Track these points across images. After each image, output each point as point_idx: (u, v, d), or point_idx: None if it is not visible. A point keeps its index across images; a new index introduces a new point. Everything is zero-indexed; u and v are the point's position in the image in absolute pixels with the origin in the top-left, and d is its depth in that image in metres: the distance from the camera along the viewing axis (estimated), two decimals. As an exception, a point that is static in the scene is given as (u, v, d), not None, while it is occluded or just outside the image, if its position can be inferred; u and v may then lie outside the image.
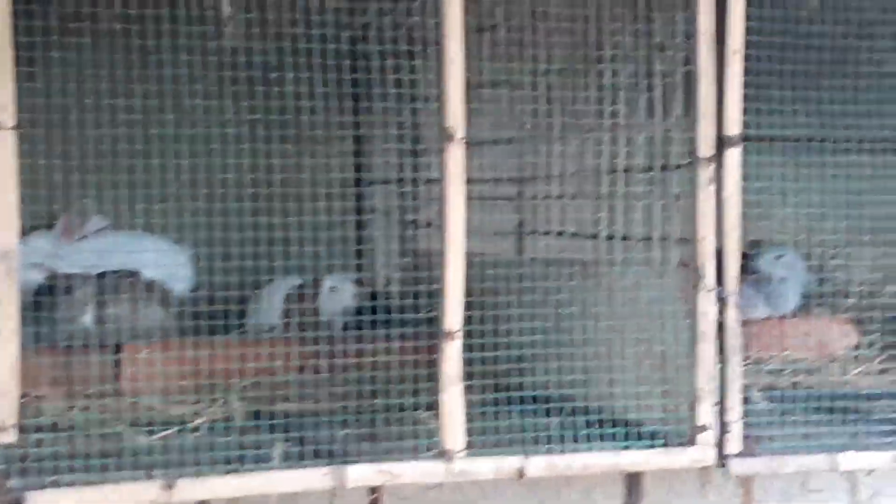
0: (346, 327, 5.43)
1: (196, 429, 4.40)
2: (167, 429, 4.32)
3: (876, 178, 5.08)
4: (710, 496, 5.24)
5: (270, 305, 5.55)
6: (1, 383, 3.70)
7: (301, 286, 5.42)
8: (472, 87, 4.24)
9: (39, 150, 3.86)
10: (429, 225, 5.50)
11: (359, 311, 5.41)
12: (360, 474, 4.11)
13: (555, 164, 4.99)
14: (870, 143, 5.15)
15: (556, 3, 4.53)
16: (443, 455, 4.17)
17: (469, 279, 4.23)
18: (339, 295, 5.44)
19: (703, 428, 4.40)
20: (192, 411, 4.56)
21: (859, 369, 5.85)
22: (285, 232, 4.39)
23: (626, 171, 4.76)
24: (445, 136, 4.12)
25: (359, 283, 5.57)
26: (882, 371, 5.84)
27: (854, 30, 4.60)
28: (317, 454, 4.14)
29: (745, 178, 4.45)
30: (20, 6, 3.65)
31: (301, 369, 4.73)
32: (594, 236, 4.87)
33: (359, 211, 6.12)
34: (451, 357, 4.16)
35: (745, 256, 5.12)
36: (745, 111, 4.38)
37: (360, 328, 5.29)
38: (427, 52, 4.35)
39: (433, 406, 4.24)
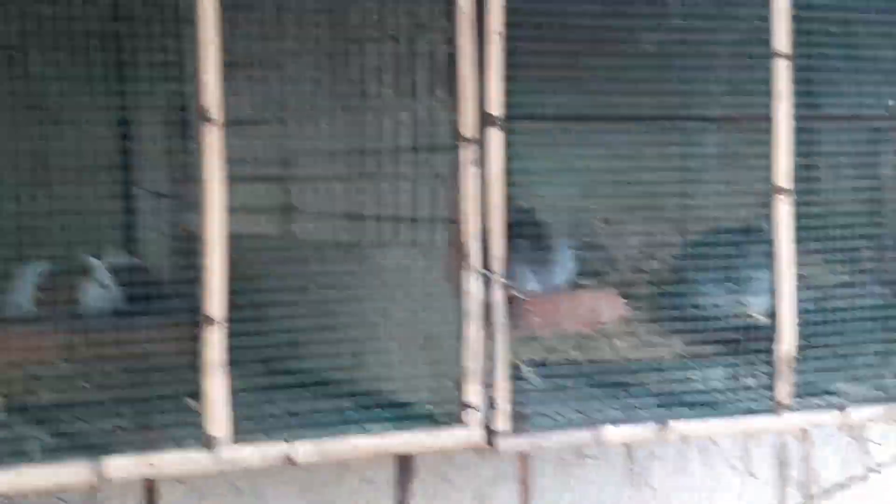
0: (113, 313, 5.27)
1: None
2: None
3: (638, 153, 5.17)
4: (486, 471, 5.29)
5: (21, 291, 5.35)
6: None
7: (56, 271, 5.24)
8: (232, 66, 4.15)
9: None
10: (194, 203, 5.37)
11: (128, 296, 5.26)
12: (122, 467, 4.00)
13: (321, 145, 4.93)
14: (631, 119, 5.25)
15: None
16: (207, 443, 4.08)
17: (235, 262, 4.15)
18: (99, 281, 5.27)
19: (471, 407, 4.42)
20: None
21: (627, 342, 5.98)
22: (46, 214, 4.23)
23: (392, 151, 4.74)
24: (202, 116, 4.03)
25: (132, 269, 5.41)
26: (648, 343, 5.97)
27: (611, 9, 4.66)
28: (77, 447, 4.00)
29: (512, 156, 4.48)
30: None
31: (62, 358, 4.57)
32: (361, 217, 4.84)
33: (126, 192, 5.94)
34: (214, 343, 4.07)
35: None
36: (509, 91, 4.40)
37: (125, 313, 5.15)
38: (182, 30, 4.22)
39: (197, 393, 4.15)
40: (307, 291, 4.50)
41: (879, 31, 5.09)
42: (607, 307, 6.34)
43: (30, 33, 3.98)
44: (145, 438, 4.12)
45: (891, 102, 5.11)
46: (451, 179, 4.44)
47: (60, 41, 4.02)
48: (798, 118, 4.80)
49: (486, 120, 4.38)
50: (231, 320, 4.14)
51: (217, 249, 4.09)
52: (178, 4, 4.09)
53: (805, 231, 4.86)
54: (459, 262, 4.42)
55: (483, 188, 4.42)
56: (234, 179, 4.16)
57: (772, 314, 4.84)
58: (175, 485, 4.88)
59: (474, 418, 4.44)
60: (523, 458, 5.37)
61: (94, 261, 5.29)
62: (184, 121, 5.34)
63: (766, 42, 4.71)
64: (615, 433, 4.64)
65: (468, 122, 4.37)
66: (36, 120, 4.16)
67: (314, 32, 4.58)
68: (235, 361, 4.16)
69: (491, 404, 4.47)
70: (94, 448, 4.03)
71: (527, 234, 6.51)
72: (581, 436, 4.61)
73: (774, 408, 4.78)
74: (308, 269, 4.58)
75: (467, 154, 4.36)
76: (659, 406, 4.85)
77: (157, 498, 4.83)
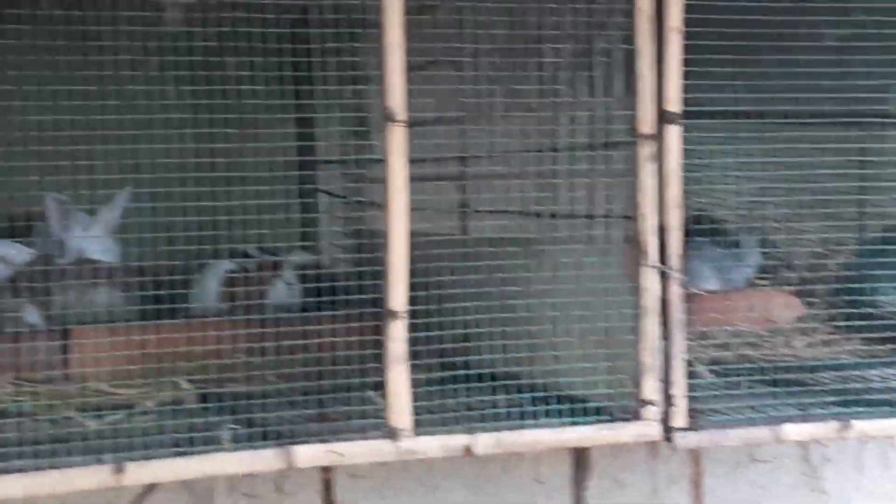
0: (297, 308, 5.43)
1: (144, 412, 4.41)
2: (115, 413, 4.32)
3: (816, 152, 5.13)
4: (659, 468, 5.31)
5: (209, 288, 5.55)
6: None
7: (241, 269, 5.43)
8: (413, 68, 4.25)
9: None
10: (373, 205, 5.51)
11: (307, 292, 5.42)
12: (309, 455, 4.14)
13: (498, 144, 5.02)
14: (810, 117, 5.21)
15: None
16: (390, 434, 4.19)
17: (414, 259, 4.26)
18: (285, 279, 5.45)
19: (648, 402, 4.45)
20: (141, 395, 4.56)
21: (804, 341, 5.92)
22: (229, 214, 4.39)
23: (568, 149, 4.79)
24: (387, 117, 4.14)
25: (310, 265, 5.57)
26: (825, 342, 5.91)
27: (791, 5, 4.64)
28: (266, 436, 4.16)
29: (688, 154, 4.50)
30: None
31: (248, 351, 4.73)
32: (538, 214, 4.90)
33: (303, 192, 6.11)
34: (397, 337, 4.18)
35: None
36: (686, 88, 4.42)
37: (306, 308, 5.32)
38: (367, 33, 4.35)
39: (380, 386, 4.27)
40: (484, 287, 4.57)
41: None
42: (784, 306, 6.29)
43: (224, 38, 4.14)
44: (330, 429, 4.26)
45: None
46: (629, 176, 4.47)
47: (253, 46, 4.16)
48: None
49: (663, 117, 4.40)
50: (411, 315, 4.25)
51: (399, 246, 4.19)
52: (364, 8, 4.20)
53: None
54: (636, 259, 4.45)
55: (660, 184, 4.44)
56: (414, 179, 4.26)
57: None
58: (350, 478, 5.02)
59: (651, 414, 4.46)
60: (695, 459, 5.38)
61: (280, 259, 5.47)
62: (365, 122, 5.51)
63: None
64: (794, 431, 4.61)
65: (646, 119, 4.40)
66: (226, 122, 4.31)
67: (493, 32, 4.65)
68: (415, 355, 4.27)
69: (668, 400, 4.48)
70: (281, 437, 4.17)
71: (704, 232, 6.51)
72: (759, 433, 4.60)
73: (957, 408, 4.70)
74: (485, 266, 4.66)
75: (646, 151, 4.39)
76: (838, 405, 4.80)
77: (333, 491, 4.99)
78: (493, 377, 4.61)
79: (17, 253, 5.17)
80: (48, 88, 4.08)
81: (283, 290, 5.45)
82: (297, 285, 5.48)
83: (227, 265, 5.49)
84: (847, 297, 6.03)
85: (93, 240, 5.14)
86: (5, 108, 4.05)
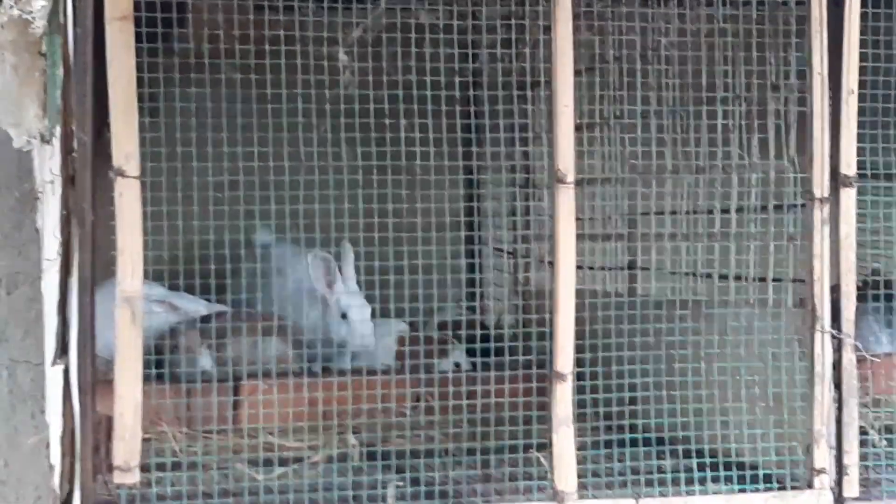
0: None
1: (312, 466, 4.46)
2: (284, 467, 4.38)
3: None
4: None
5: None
6: (125, 426, 3.79)
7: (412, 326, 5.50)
8: (583, 127, 4.26)
9: (159, 197, 3.96)
10: (542, 261, 5.52)
11: (472, 350, 5.45)
12: (475, 514, 4.15)
13: (667, 203, 4.99)
14: None
15: (668, 44, 4.53)
16: (555, 496, 4.18)
17: (581, 319, 4.24)
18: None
19: (821, 471, 4.35)
20: (309, 449, 4.63)
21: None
22: (398, 273, 4.43)
23: (739, 210, 4.74)
24: (556, 178, 4.15)
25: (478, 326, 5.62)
26: None
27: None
28: (429, 494, 4.17)
29: (863, 215, 4.42)
30: (142, 57, 3.76)
31: (414, 408, 4.77)
32: (708, 276, 4.85)
33: (471, 250, 6.15)
34: (563, 399, 4.17)
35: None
36: (860, 151, 4.35)
37: (473, 367, 5.35)
38: (536, 92, 4.38)
39: (545, 447, 4.25)
40: (652, 349, 4.53)
41: None
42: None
43: (398, 99, 4.21)
44: (496, 489, 4.26)
45: None
46: (801, 239, 4.40)
47: (424, 106, 4.22)
48: None
49: (837, 179, 4.33)
50: (578, 376, 4.23)
51: (567, 307, 4.18)
52: (534, 69, 4.24)
53: None
54: (809, 323, 4.36)
55: (834, 248, 4.36)
56: (582, 237, 4.26)
57: None
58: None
59: (823, 483, 4.36)
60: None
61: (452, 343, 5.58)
62: (531, 181, 5.54)
63: None
64: (972, 504, 4.46)
65: (820, 181, 4.33)
66: (399, 182, 4.38)
67: (664, 93, 4.64)
68: (581, 416, 4.25)
69: (840, 469, 4.37)
70: (446, 497, 4.18)
71: (878, 294, 6.36)
72: (935, 505, 4.46)
73: None
74: (652, 327, 4.62)
75: (820, 214, 4.32)
76: None
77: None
78: (660, 441, 4.56)
79: (190, 304, 5.31)
80: (226, 151, 4.20)
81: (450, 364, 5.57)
82: (465, 359, 5.56)
83: (401, 326, 5.55)
84: None
85: (352, 296, 5.40)
86: (184, 170, 4.15)
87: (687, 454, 4.47)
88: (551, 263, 4.23)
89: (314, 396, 4.56)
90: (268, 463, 4.39)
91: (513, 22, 4.29)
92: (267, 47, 4.01)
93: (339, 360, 5.41)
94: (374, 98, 4.16)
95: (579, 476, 4.19)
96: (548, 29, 4.13)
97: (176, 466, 4.30)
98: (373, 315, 5.36)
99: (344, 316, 5.36)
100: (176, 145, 4.03)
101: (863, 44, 4.31)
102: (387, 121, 4.19)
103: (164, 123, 4.19)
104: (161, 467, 4.16)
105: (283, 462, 4.43)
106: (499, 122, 4.59)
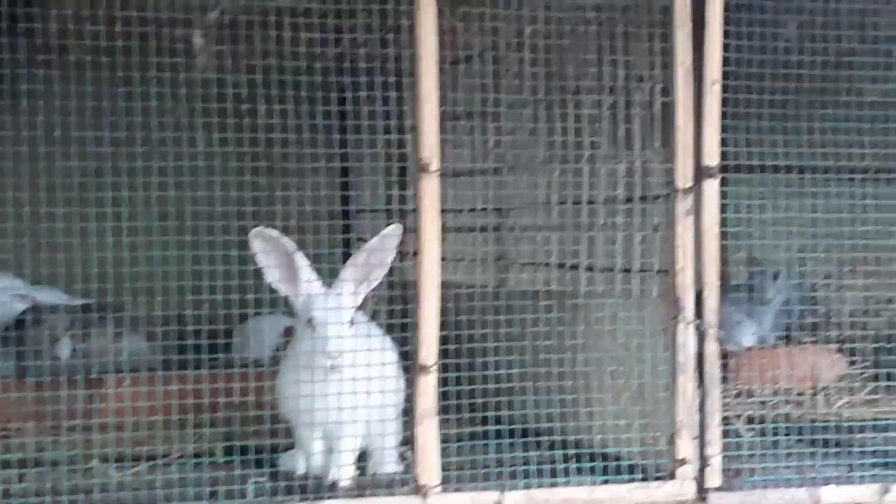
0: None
1: (169, 464, 4.36)
2: (139, 464, 4.27)
3: (858, 206, 5.05)
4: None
5: (258, 339, 5.51)
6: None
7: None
8: (449, 118, 4.22)
9: (9, 183, 3.82)
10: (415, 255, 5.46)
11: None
12: (338, 510, 4.08)
13: (535, 196, 4.96)
14: (852, 172, 5.13)
15: (533, 35, 4.50)
16: (418, 490, 4.12)
17: (448, 311, 4.20)
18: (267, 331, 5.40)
19: (683, 461, 4.36)
20: (166, 445, 4.52)
21: (845, 400, 5.82)
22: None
23: (605, 202, 4.73)
24: (420, 167, 4.09)
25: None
26: (868, 402, 5.80)
27: (833, 59, 4.58)
28: (289, 489, 4.09)
29: (727, 207, 4.44)
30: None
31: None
32: (574, 267, 4.84)
33: (346, 241, 6.07)
34: (426, 391, 4.11)
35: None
36: (725, 141, 4.35)
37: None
38: (403, 84, 4.32)
39: (408, 441, 4.20)
40: (518, 340, 4.51)
41: None
42: (826, 364, 6.20)
43: (258, 86, 4.11)
44: (358, 483, 4.20)
45: None
46: (666, 230, 4.40)
47: (286, 94, 4.13)
48: None
49: (701, 171, 4.33)
50: (443, 368, 4.18)
51: (430, 298, 4.13)
52: (400, 57, 4.18)
53: None
54: (673, 314, 4.37)
55: (697, 239, 4.36)
56: (449, 229, 4.21)
57: None
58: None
59: (686, 473, 4.36)
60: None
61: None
62: (401, 170, 5.47)
63: None
64: (834, 494, 4.49)
65: (684, 173, 4.33)
66: (261, 171, 4.28)
67: (531, 85, 4.61)
68: (445, 409, 4.21)
69: (703, 459, 4.39)
70: (305, 490, 4.12)
71: (742, 286, 6.44)
72: (797, 495, 4.48)
73: None
74: (520, 319, 4.59)
75: (684, 205, 4.32)
76: (880, 467, 4.69)
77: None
78: (525, 433, 4.53)
79: (50, 297, 5.17)
80: (76, 135, 4.06)
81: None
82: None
83: (284, 320, 5.42)
84: (892, 356, 5.92)
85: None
86: (32, 155, 4.02)
87: (553, 446, 4.45)
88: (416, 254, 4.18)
89: (173, 391, 4.45)
90: (122, 460, 4.27)
91: (376, 7, 4.22)
92: (119, 28, 3.88)
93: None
94: (233, 83, 4.07)
95: (444, 469, 4.14)
96: (412, 15, 4.08)
97: (33, 463, 4.17)
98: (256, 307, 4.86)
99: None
100: (22, 130, 3.88)
101: (726, 34, 4.31)
102: (245, 106, 4.09)
103: (9, 107, 4.04)
104: (7, 464, 4.03)
105: (137, 460, 4.31)
106: (372, 110, 4.51)
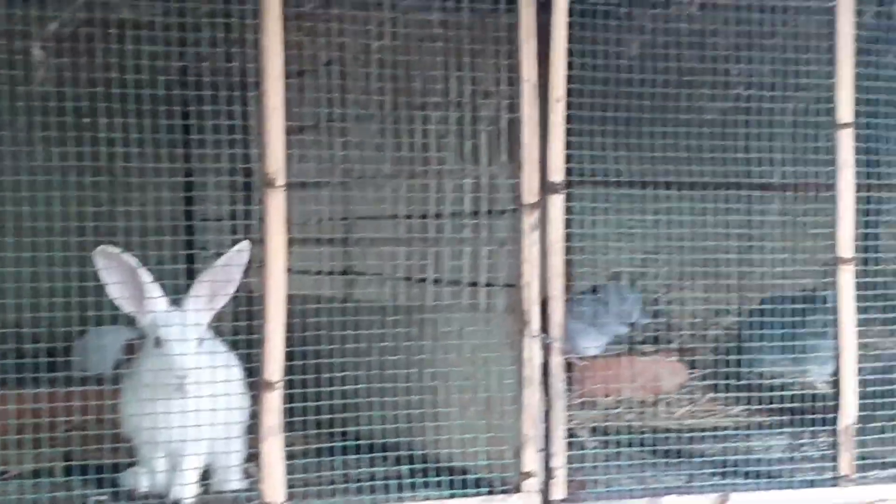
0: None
1: (6, 482, 4.25)
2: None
3: (700, 220, 5.17)
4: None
5: (99, 354, 5.39)
6: None
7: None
8: (296, 131, 4.18)
9: None
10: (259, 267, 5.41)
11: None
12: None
13: (381, 209, 4.96)
14: (692, 186, 5.25)
15: (380, 50, 4.50)
16: (264, 508, 4.09)
17: (294, 325, 4.16)
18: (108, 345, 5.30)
19: (529, 474, 4.39)
20: (3, 465, 4.40)
21: (686, 409, 5.93)
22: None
23: (452, 216, 4.75)
24: (266, 182, 4.06)
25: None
26: (708, 410, 5.92)
27: (674, 77, 4.67)
28: None
29: (572, 221, 4.49)
30: None
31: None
32: (421, 281, 4.85)
33: (190, 256, 5.99)
34: (272, 407, 4.07)
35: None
36: (570, 157, 4.41)
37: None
38: (248, 95, 4.27)
39: (253, 457, 4.16)
40: (366, 354, 4.50)
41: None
42: (667, 373, 6.30)
43: (99, 98, 4.03)
44: (202, 501, 4.14)
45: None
46: (512, 245, 4.43)
47: (128, 107, 4.06)
48: (861, 187, 4.74)
49: (547, 186, 4.38)
50: (288, 383, 4.15)
51: (276, 313, 4.09)
52: (245, 70, 4.13)
53: (867, 300, 4.80)
54: (519, 328, 4.40)
55: (543, 253, 4.41)
56: (296, 241, 4.17)
57: (834, 383, 4.76)
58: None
59: (531, 486, 4.40)
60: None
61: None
62: (247, 184, 5.42)
63: (829, 111, 4.67)
64: (674, 503, 4.58)
65: (530, 188, 4.37)
66: (102, 185, 4.20)
67: (378, 98, 4.60)
68: (291, 424, 4.17)
69: (548, 472, 4.43)
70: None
71: (586, 298, 6.52)
72: (639, 504, 4.56)
73: (837, 480, 4.70)
74: (367, 332, 4.58)
75: (530, 220, 4.36)
76: (719, 476, 4.79)
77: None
78: (372, 447, 4.52)
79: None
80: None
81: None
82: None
83: (125, 332, 5.32)
84: (731, 365, 6.06)
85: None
86: None
87: (400, 460, 4.45)
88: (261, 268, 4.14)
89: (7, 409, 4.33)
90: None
91: (220, 20, 4.16)
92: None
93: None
94: (73, 96, 3.98)
95: (289, 486, 4.11)
96: (257, 28, 4.04)
97: None
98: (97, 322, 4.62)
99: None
100: None
101: (571, 52, 4.37)
102: (85, 120, 4.00)
103: None
104: None
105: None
106: (216, 124, 4.45)
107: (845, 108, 4.64)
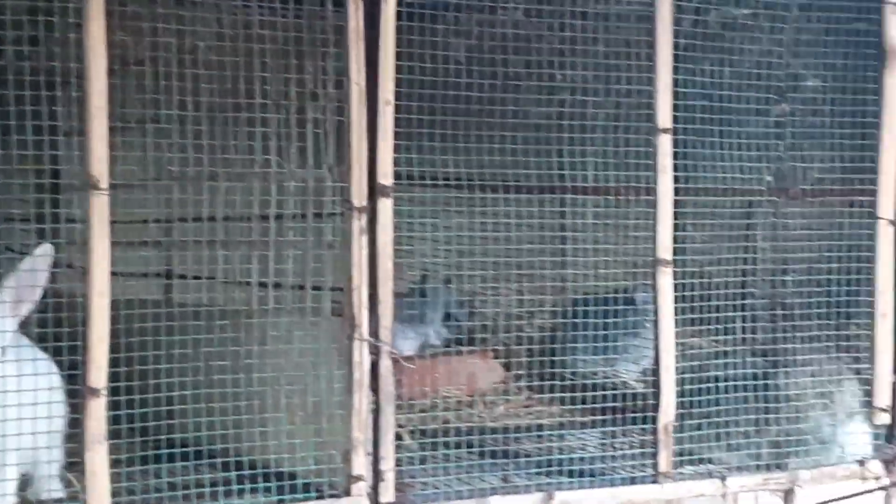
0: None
1: None
2: None
3: (520, 220, 5.23)
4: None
5: None
6: None
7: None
8: (117, 129, 4.08)
9: None
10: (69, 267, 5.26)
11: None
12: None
13: (205, 209, 4.87)
14: (517, 188, 5.32)
15: (206, 48, 4.42)
16: (90, 518, 3.98)
17: (117, 329, 4.06)
18: None
19: (358, 478, 4.38)
20: None
21: (503, 407, 5.99)
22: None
23: (277, 217, 4.70)
24: (90, 184, 3.94)
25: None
26: (526, 408, 5.99)
27: (500, 82, 4.72)
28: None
29: (400, 221, 4.50)
30: None
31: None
32: (247, 283, 4.79)
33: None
34: (96, 415, 3.96)
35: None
36: (397, 158, 4.41)
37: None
38: (67, 91, 4.14)
39: (74, 465, 4.05)
40: (191, 359, 4.42)
41: (753, 108, 5.22)
42: (484, 372, 6.36)
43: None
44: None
45: (769, 178, 5.23)
46: (340, 247, 4.41)
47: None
48: (678, 191, 4.86)
49: (375, 189, 4.37)
50: (113, 390, 4.05)
51: (100, 318, 3.98)
52: (65, 69, 4.02)
53: (683, 301, 4.93)
54: (347, 331, 4.39)
55: (372, 256, 4.40)
56: (117, 243, 4.07)
57: (653, 382, 4.88)
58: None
59: (360, 489, 4.40)
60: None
61: None
62: (54, 185, 5.26)
63: (649, 117, 4.78)
64: (500, 503, 4.62)
65: (358, 191, 4.35)
66: None
67: (201, 97, 4.52)
68: (116, 432, 4.08)
69: (377, 475, 4.43)
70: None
71: (408, 297, 6.55)
72: (466, 505, 4.59)
73: (657, 476, 4.82)
74: (191, 337, 4.50)
75: (358, 223, 4.35)
76: (543, 475, 4.86)
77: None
78: (200, 454, 4.45)
79: None
80: None
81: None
82: None
83: None
84: (548, 364, 6.16)
85: None
86: None
87: (227, 466, 4.39)
88: (83, 269, 4.02)
89: None
90: None
91: (41, 18, 4.03)
92: None
93: None
94: None
95: (114, 495, 4.01)
96: (79, 26, 3.92)
97: None
98: None
99: None
100: None
101: (399, 56, 4.37)
102: None
103: None
104: None
105: None
106: (21, 124, 4.31)
107: (664, 113, 4.76)
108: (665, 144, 4.76)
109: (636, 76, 4.82)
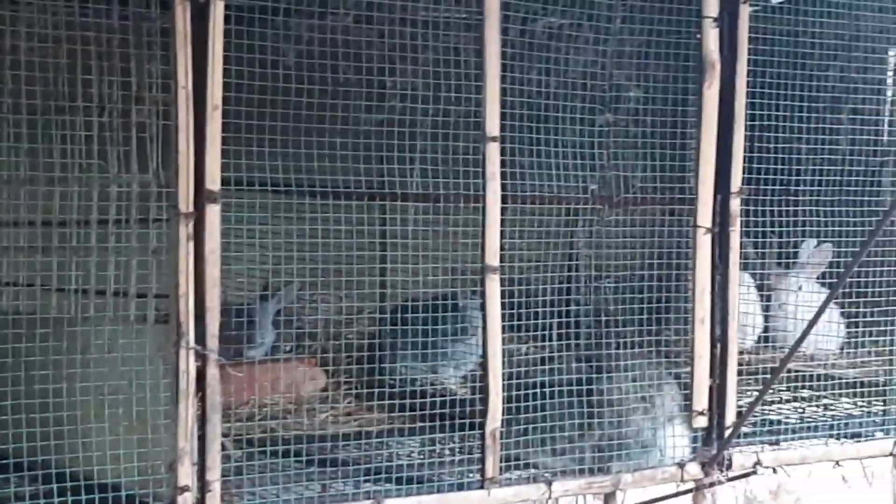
0: None
1: None
2: None
3: (346, 225, 5.21)
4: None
5: None
6: None
7: None
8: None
9: None
10: None
11: None
12: None
13: (21, 213, 4.73)
14: (345, 194, 5.30)
15: (28, 48, 4.30)
16: None
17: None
18: None
19: (184, 488, 4.31)
20: None
21: (327, 414, 5.96)
22: None
23: (100, 223, 4.59)
24: None
25: None
26: (350, 414, 5.97)
27: (330, 87, 4.70)
28: None
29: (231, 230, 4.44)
30: None
31: None
32: (67, 290, 4.66)
33: None
34: None
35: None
36: (224, 163, 4.35)
37: None
38: None
39: None
40: (11, 368, 4.28)
41: (578, 117, 5.31)
42: (306, 379, 6.31)
43: None
44: None
45: (592, 187, 5.32)
46: (165, 254, 4.33)
47: None
48: (504, 198, 4.90)
49: (203, 195, 4.30)
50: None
51: None
52: None
53: (509, 308, 4.97)
54: (173, 339, 4.31)
55: (198, 263, 4.33)
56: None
57: (480, 388, 4.91)
58: None
59: (186, 500, 4.32)
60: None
61: None
62: None
63: (477, 124, 4.81)
64: (329, 513, 4.61)
65: (185, 197, 4.28)
66: None
67: (20, 99, 4.39)
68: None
69: (203, 485, 4.36)
70: None
71: (230, 303, 6.46)
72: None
73: (483, 482, 4.85)
74: (10, 346, 4.35)
75: (185, 229, 4.27)
76: (371, 482, 4.85)
77: None
78: (20, 466, 4.31)
79: None
80: None
81: None
82: None
83: None
84: (367, 370, 6.16)
85: None
86: None
87: (47, 478, 4.26)
88: None
89: None
90: None
91: None
92: None
93: None
94: None
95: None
96: None
97: None
98: None
99: None
100: None
101: (226, 60, 4.31)
102: None
103: None
104: None
105: None
106: None
107: (492, 121, 4.80)
108: (493, 152, 4.80)
109: (465, 84, 4.85)
